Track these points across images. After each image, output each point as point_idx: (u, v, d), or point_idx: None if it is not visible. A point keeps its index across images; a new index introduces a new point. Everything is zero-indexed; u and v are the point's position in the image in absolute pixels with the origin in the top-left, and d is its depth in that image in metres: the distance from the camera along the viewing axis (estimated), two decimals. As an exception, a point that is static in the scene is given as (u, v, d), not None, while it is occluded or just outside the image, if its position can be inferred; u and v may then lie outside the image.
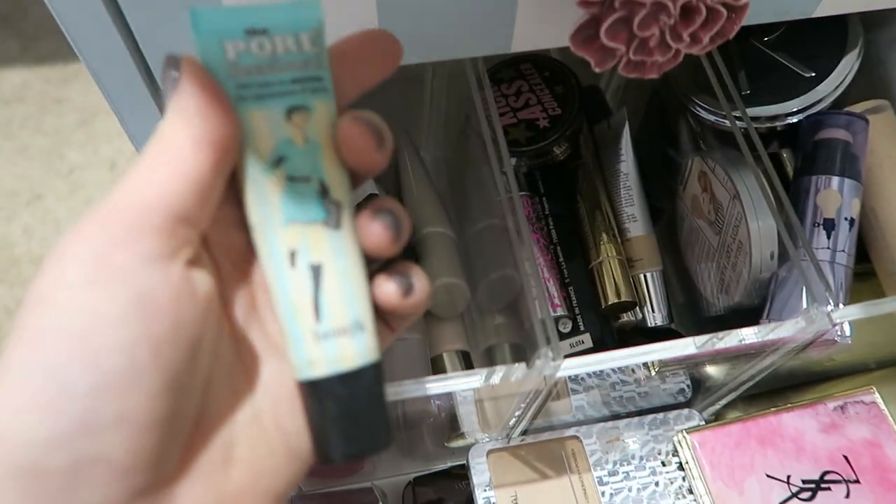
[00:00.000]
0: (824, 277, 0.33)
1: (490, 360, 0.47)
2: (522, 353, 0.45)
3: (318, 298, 0.21)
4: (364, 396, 0.21)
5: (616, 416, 0.47)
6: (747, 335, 0.34)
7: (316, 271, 0.21)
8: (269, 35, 0.20)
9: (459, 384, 0.31)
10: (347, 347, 0.21)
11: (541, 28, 0.32)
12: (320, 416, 0.21)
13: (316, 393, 0.21)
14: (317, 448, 0.22)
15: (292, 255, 0.21)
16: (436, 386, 0.30)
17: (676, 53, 0.29)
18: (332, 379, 0.21)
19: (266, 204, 0.21)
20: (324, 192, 0.21)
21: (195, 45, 0.20)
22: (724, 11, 0.28)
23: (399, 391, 0.30)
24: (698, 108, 0.45)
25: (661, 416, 0.45)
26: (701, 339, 0.34)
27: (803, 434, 0.41)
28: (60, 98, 1.19)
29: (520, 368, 0.31)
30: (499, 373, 0.31)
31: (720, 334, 0.34)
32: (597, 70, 0.29)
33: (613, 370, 0.44)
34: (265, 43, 0.20)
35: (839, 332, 0.35)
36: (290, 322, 0.21)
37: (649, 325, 0.48)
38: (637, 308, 0.47)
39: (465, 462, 0.44)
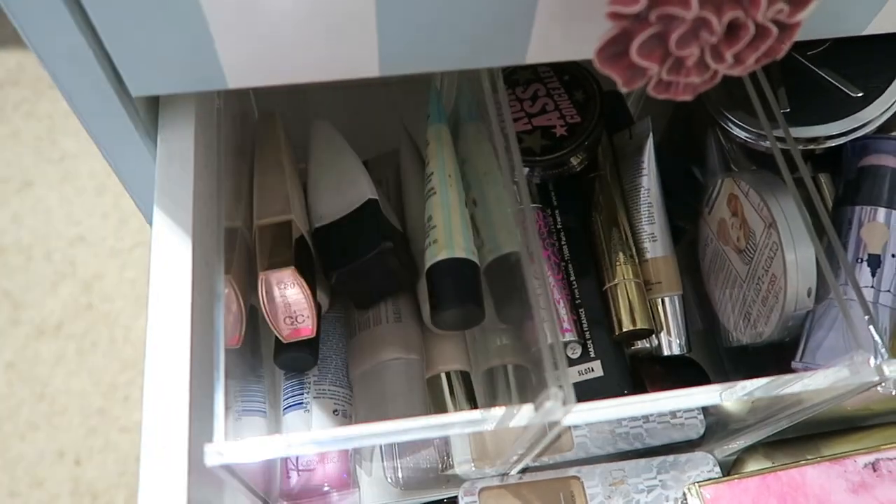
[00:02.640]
0: (875, 321, 0.30)
1: (491, 383, 0.43)
2: (526, 376, 0.42)
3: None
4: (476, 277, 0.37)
5: (621, 455, 0.43)
6: (781, 385, 0.30)
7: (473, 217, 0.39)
8: None
9: (455, 427, 0.27)
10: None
11: (560, 39, 0.29)
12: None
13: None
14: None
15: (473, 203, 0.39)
16: (430, 429, 0.27)
17: (714, 74, 0.26)
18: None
19: None
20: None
21: None
22: (775, 29, 0.24)
23: (386, 431, 0.27)
24: (730, 125, 0.41)
25: (671, 458, 0.42)
26: (727, 389, 0.30)
27: (829, 494, 0.37)
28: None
29: (525, 411, 0.27)
30: (499, 415, 0.27)
31: (750, 383, 0.30)
32: (624, 90, 0.25)
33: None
34: None
35: (884, 385, 0.32)
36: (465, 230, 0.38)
37: (665, 353, 0.44)
38: (653, 335, 0.44)
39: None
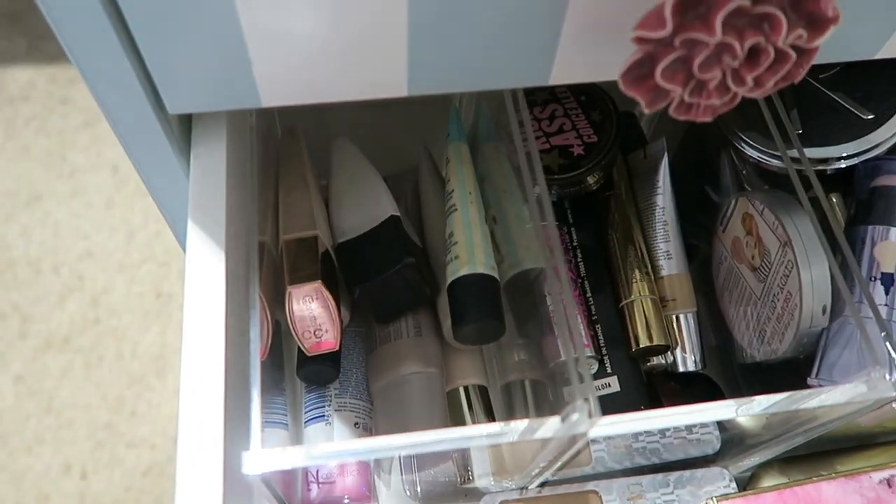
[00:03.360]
0: (890, 337, 0.30)
1: (509, 397, 0.44)
2: (543, 391, 0.42)
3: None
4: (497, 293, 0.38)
5: (638, 470, 0.43)
6: (799, 400, 0.31)
7: (493, 233, 0.40)
8: None
9: (477, 439, 0.28)
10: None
11: (583, 62, 0.30)
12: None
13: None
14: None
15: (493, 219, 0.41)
16: (450, 439, 0.27)
17: (734, 97, 0.27)
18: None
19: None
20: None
21: None
22: (793, 54, 0.25)
23: (410, 443, 0.27)
24: (744, 145, 0.42)
25: (687, 473, 0.42)
26: (744, 403, 0.30)
27: (847, 507, 0.37)
28: (66, 98, 1.17)
29: (551, 423, 0.28)
30: (524, 426, 0.28)
31: (767, 399, 0.31)
32: (647, 111, 0.26)
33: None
34: None
35: (900, 401, 0.32)
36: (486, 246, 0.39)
37: (681, 369, 0.45)
38: (668, 351, 0.44)
39: (475, 508, 0.41)
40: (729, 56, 0.25)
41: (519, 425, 0.29)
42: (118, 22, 0.25)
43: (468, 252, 0.38)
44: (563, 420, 0.27)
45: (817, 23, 0.25)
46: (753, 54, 0.25)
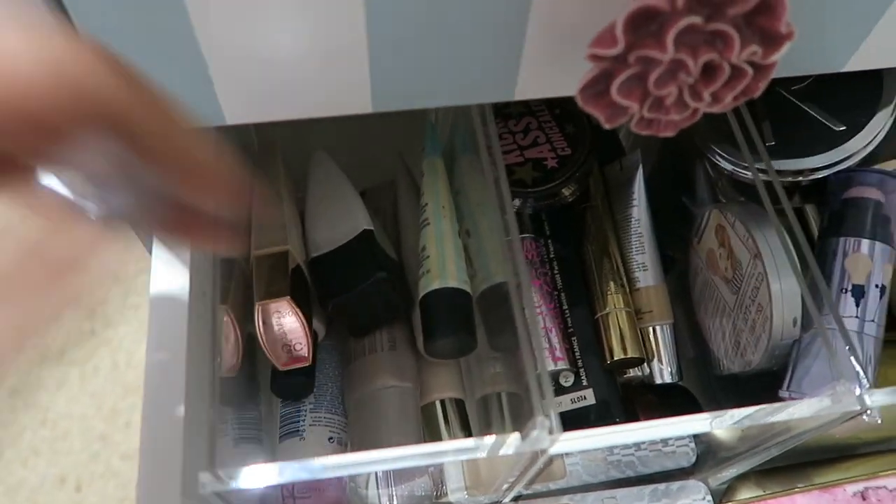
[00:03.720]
0: (855, 351, 0.30)
1: (485, 410, 0.44)
2: (519, 403, 0.42)
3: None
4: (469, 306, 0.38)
5: (614, 483, 0.43)
6: (767, 413, 0.31)
7: (466, 247, 0.40)
8: None
9: (447, 455, 0.28)
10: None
11: (548, 76, 0.30)
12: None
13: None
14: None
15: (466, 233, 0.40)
16: (418, 455, 0.27)
17: (695, 112, 0.27)
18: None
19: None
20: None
21: None
22: (750, 70, 0.25)
23: (379, 459, 0.27)
24: (717, 157, 0.42)
25: (662, 486, 0.42)
26: (717, 417, 0.30)
27: (820, 520, 0.37)
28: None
29: (512, 440, 0.28)
30: (488, 444, 0.28)
31: (737, 412, 0.30)
32: (606, 126, 0.26)
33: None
34: None
35: (869, 413, 0.32)
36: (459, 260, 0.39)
37: (657, 381, 0.45)
38: (644, 363, 0.44)
39: (450, 523, 0.41)
40: (684, 73, 0.25)
41: (486, 441, 0.29)
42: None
43: (440, 266, 0.38)
44: (523, 437, 0.27)
45: (772, 39, 0.25)
46: (709, 70, 0.25)
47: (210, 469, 0.25)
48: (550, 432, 0.27)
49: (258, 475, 0.27)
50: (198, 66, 0.26)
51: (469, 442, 0.29)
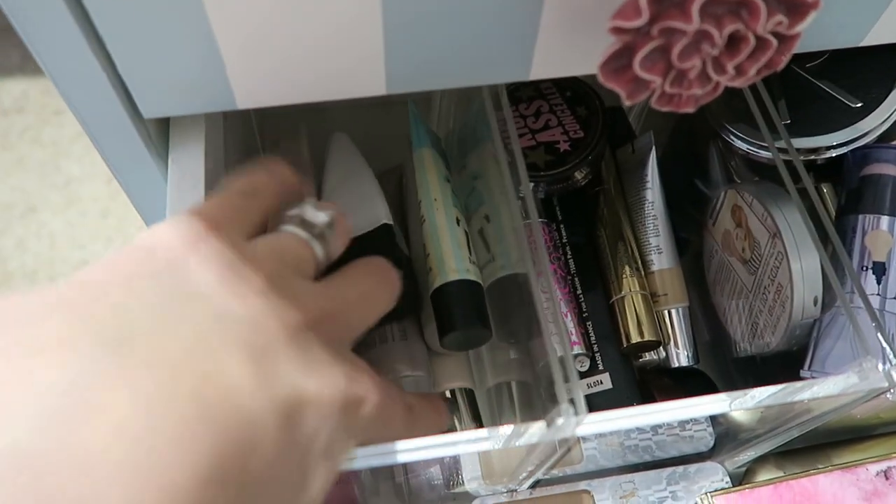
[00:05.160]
0: (882, 327, 0.30)
1: (495, 400, 0.43)
2: (529, 392, 0.42)
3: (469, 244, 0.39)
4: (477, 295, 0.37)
5: (631, 468, 0.43)
6: (791, 393, 0.30)
7: (467, 234, 0.39)
8: None
9: (464, 447, 0.27)
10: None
11: (563, 54, 0.29)
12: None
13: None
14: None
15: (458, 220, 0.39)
16: (438, 449, 0.27)
17: (717, 86, 0.27)
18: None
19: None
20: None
21: None
22: (774, 41, 0.25)
23: (396, 452, 0.27)
24: (732, 137, 0.42)
25: (680, 469, 0.42)
26: (736, 397, 0.30)
27: (842, 502, 0.37)
28: (60, 109, 1.17)
29: (536, 427, 0.27)
30: (511, 433, 0.28)
31: (759, 391, 0.30)
32: (627, 103, 0.26)
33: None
34: None
35: (893, 391, 0.32)
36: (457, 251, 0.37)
37: (673, 365, 0.44)
38: (660, 347, 0.44)
39: (467, 511, 0.41)
40: (708, 44, 0.25)
41: (505, 430, 0.28)
42: (87, 26, 0.24)
43: (438, 263, 0.37)
44: (548, 425, 0.27)
45: (797, 8, 0.25)
46: (733, 42, 0.25)
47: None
48: (576, 415, 0.26)
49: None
50: (209, 47, 0.26)
51: (486, 432, 0.28)
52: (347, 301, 0.24)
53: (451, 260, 0.37)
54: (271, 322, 0.19)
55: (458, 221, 0.39)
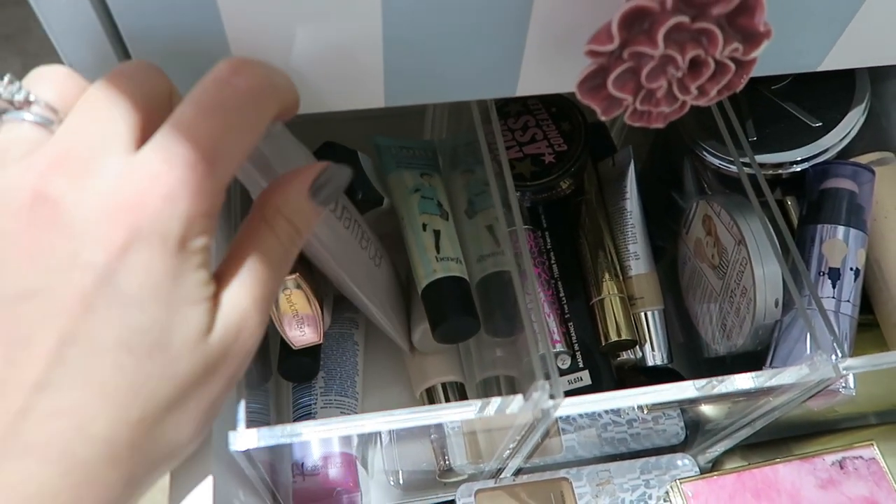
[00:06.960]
0: (831, 326, 0.33)
1: (485, 393, 0.46)
2: (518, 387, 0.44)
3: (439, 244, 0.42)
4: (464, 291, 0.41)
5: (608, 458, 0.46)
6: (749, 380, 0.33)
7: (437, 234, 0.42)
8: None
9: (453, 414, 0.30)
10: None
11: (547, 73, 0.32)
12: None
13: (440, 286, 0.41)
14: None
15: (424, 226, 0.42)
16: (429, 416, 0.29)
17: (683, 104, 0.30)
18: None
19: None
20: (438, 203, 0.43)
21: None
22: (732, 65, 0.28)
23: (390, 420, 0.30)
24: (704, 153, 0.45)
25: (653, 459, 0.44)
26: (701, 383, 0.33)
27: (800, 490, 0.40)
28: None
29: (516, 400, 0.30)
30: (494, 404, 0.30)
31: (720, 379, 0.33)
32: (603, 118, 0.29)
33: (606, 410, 0.43)
34: None
35: (844, 384, 0.35)
36: (423, 255, 0.41)
37: (649, 363, 0.47)
38: (637, 347, 0.47)
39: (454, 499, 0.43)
40: (673, 67, 0.28)
41: (492, 402, 0.31)
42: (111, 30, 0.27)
43: (415, 274, 0.41)
44: (525, 399, 0.29)
45: (752, 37, 0.28)
46: (696, 65, 0.28)
47: (239, 430, 0.28)
48: (552, 397, 0.29)
49: (273, 434, 0.28)
50: (219, 51, 0.28)
51: (475, 403, 0.31)
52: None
53: (420, 268, 0.41)
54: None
55: (424, 227, 0.42)
